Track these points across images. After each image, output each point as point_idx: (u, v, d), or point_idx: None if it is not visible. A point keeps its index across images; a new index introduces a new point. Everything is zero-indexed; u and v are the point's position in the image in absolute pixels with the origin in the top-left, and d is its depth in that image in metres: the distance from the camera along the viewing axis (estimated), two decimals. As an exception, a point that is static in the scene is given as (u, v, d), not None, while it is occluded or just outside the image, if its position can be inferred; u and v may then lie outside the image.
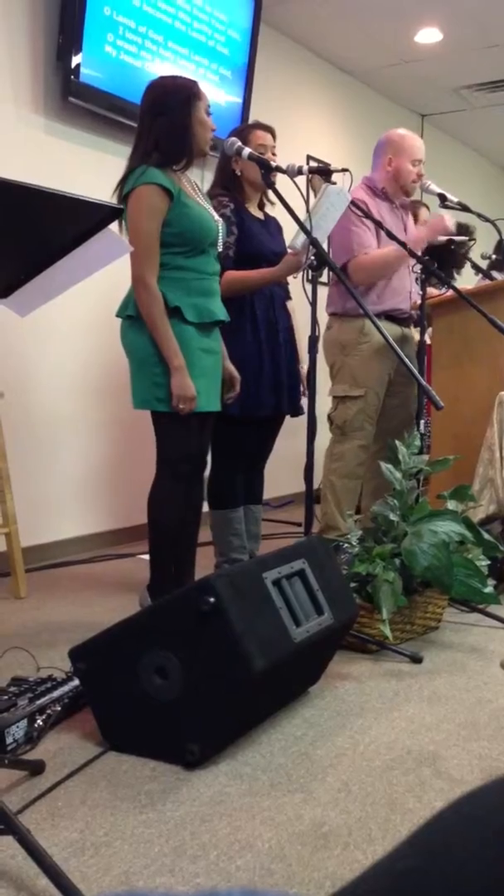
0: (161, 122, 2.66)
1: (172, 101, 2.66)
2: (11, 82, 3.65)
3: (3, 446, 3.24)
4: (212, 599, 1.78)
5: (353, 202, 3.15)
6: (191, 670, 1.81)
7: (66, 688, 2.08)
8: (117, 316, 2.77)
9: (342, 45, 5.57)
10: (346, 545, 2.70)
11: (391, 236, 3.14)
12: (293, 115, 5.46)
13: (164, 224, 2.64)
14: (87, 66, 3.80)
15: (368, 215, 3.24)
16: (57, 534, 3.92)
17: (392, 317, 3.53)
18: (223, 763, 1.85)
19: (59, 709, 2.02)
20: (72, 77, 3.75)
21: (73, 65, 3.74)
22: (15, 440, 3.44)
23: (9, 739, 1.85)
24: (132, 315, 2.69)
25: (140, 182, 2.61)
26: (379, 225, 3.21)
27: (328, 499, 3.50)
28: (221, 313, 2.79)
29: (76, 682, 2.06)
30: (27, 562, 3.38)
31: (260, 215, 3.27)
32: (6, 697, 1.98)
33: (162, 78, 2.78)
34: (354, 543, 2.69)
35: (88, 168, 3.86)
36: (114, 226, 1.66)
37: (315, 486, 2.86)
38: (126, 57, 3.99)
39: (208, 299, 2.74)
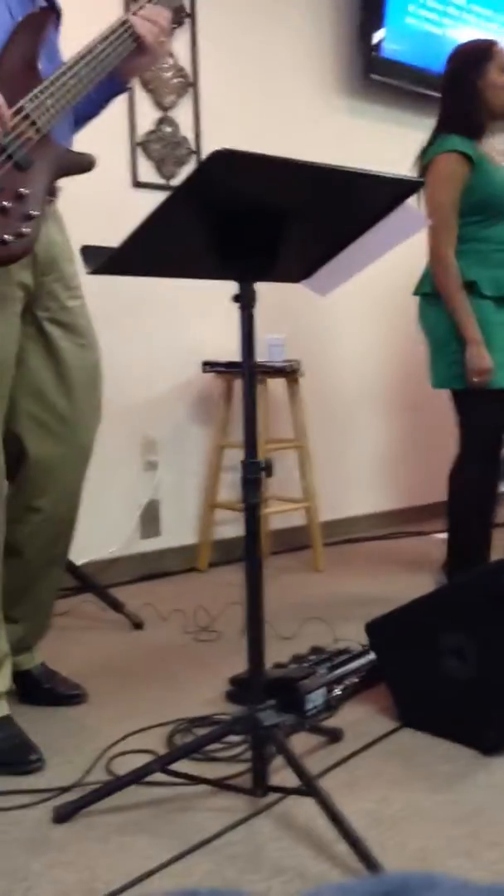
0: (453, 92, 2.65)
1: (463, 69, 2.64)
2: (318, 67, 3.73)
3: (304, 424, 3.36)
4: (511, 584, 1.72)
5: None
6: (487, 653, 1.77)
7: (362, 661, 2.12)
8: (414, 294, 2.75)
9: None
10: None
11: None
12: None
13: (464, 193, 2.58)
14: (389, 40, 3.78)
15: None
16: (354, 509, 4.00)
17: None
18: (522, 752, 1.79)
19: (355, 680, 2.07)
20: (373, 53, 3.76)
21: (375, 41, 3.75)
22: (314, 418, 3.55)
23: (309, 705, 1.93)
24: (428, 292, 2.66)
25: (439, 150, 2.58)
26: None
27: None
28: None
29: (372, 655, 2.09)
30: (325, 536, 3.48)
31: None
32: (306, 665, 2.07)
33: (459, 45, 2.74)
34: None
35: (392, 144, 3.83)
36: (412, 199, 1.65)
37: None
38: (428, 26, 3.93)
39: None
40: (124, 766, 1.72)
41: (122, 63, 1.78)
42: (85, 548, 3.00)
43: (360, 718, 1.97)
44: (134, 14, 1.78)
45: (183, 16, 3.26)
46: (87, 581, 2.77)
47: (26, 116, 1.61)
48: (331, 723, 1.93)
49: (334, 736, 1.86)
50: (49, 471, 1.88)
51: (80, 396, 1.88)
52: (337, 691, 2.02)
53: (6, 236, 1.58)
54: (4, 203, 1.58)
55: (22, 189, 1.60)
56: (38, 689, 2.06)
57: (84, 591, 2.82)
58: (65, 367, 1.85)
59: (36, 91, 1.62)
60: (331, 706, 1.99)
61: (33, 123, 1.61)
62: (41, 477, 1.88)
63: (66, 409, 1.87)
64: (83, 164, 1.73)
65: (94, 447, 1.96)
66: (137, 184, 3.21)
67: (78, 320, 1.86)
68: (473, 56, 2.63)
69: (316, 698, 1.96)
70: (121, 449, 3.23)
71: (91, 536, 3.06)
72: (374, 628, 1.98)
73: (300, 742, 1.82)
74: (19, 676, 2.02)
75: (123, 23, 1.76)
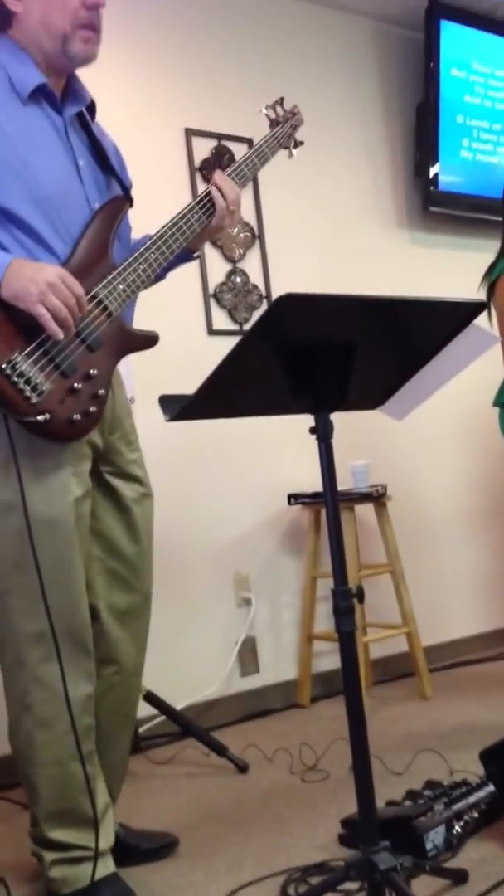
0: None
1: None
2: (375, 202, 3.91)
3: (396, 547, 3.32)
4: None
5: None
6: None
7: (481, 793, 2.01)
8: (494, 405, 2.76)
9: None
10: None
11: None
12: None
13: None
14: (445, 173, 3.95)
15: None
16: (458, 632, 3.88)
17: None
18: None
19: (476, 815, 1.96)
20: (431, 188, 3.92)
21: (431, 175, 3.91)
22: (406, 540, 3.50)
23: (428, 845, 1.82)
24: None
25: None
26: None
27: None
28: None
29: (491, 787, 1.98)
30: (429, 661, 3.37)
31: None
32: (422, 801, 1.97)
33: None
34: None
35: (456, 269, 3.93)
36: (482, 317, 1.68)
37: None
38: (482, 157, 4.10)
39: None
40: (238, 921, 1.65)
41: (193, 237, 1.92)
42: (184, 691, 2.98)
43: (485, 856, 1.85)
44: (210, 184, 1.92)
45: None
46: (188, 726, 2.73)
47: (100, 302, 1.74)
48: (453, 863, 1.82)
49: (459, 878, 1.75)
50: (120, 620, 1.91)
51: (146, 543, 1.94)
52: (457, 828, 1.90)
53: (76, 416, 1.68)
54: (76, 384, 1.68)
55: (91, 370, 1.71)
56: (123, 849, 1.92)
57: (186, 736, 2.78)
58: (132, 515, 1.91)
59: (109, 278, 1.76)
60: (452, 845, 1.88)
61: (105, 308, 1.74)
62: (113, 628, 1.90)
63: (135, 555, 1.92)
64: (146, 341, 1.86)
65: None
66: (212, 331, 3.36)
67: (138, 471, 1.95)
68: None
69: (435, 837, 1.85)
70: (214, 588, 3.25)
71: (189, 679, 3.04)
72: (490, 757, 1.89)
73: (422, 886, 1.72)
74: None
75: (199, 201, 1.90)
